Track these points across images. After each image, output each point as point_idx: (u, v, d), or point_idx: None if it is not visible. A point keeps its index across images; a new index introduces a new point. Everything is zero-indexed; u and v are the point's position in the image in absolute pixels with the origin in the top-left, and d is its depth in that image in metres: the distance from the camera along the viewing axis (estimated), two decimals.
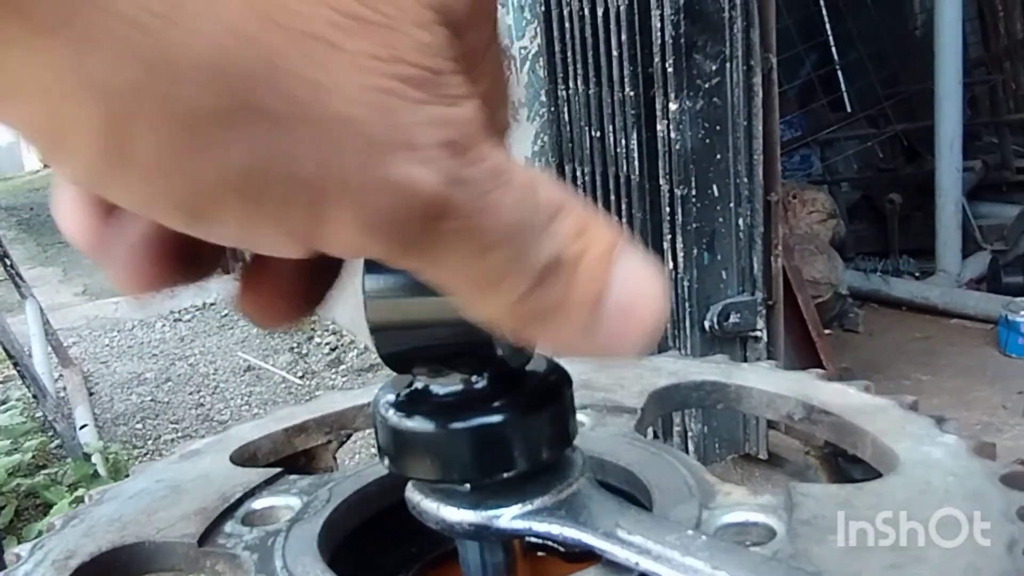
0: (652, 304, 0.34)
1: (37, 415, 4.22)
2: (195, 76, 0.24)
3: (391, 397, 0.45)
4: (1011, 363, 3.89)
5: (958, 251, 4.62)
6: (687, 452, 2.88)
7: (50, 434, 4.07)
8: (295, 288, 0.37)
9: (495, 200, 0.29)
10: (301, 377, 4.88)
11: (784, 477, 2.82)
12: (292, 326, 0.38)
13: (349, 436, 0.68)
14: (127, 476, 2.22)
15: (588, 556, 0.47)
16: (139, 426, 4.50)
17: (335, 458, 0.69)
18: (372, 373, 4.78)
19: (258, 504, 0.55)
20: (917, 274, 4.79)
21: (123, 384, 5.05)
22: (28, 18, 0.23)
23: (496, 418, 0.42)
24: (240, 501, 0.55)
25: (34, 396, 3.90)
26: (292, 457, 0.66)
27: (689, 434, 2.92)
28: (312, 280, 0.38)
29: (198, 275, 0.37)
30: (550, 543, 0.46)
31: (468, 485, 0.45)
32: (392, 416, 0.44)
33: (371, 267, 0.40)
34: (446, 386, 0.44)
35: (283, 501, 0.55)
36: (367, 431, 0.69)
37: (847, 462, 0.60)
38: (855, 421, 0.56)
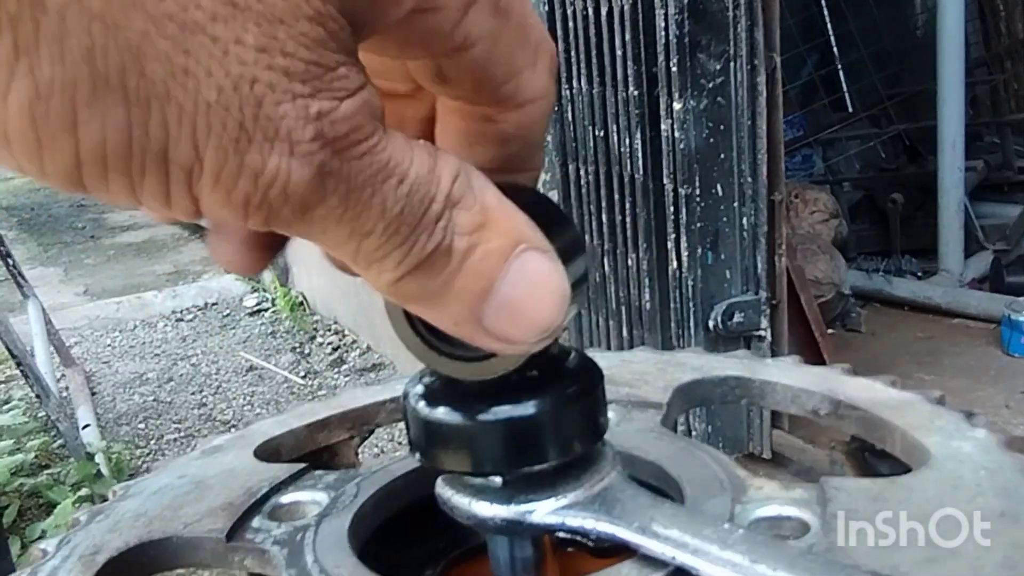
0: (543, 307, 0.35)
1: (40, 415, 4.22)
2: (50, 55, 0.26)
3: (421, 388, 0.45)
4: (1014, 363, 3.90)
5: (960, 251, 4.62)
6: None
7: (53, 434, 4.08)
8: (256, 238, 0.38)
9: (373, 194, 0.30)
10: (303, 377, 4.88)
11: (788, 477, 2.82)
12: (257, 272, 0.40)
13: (371, 432, 0.68)
14: (130, 476, 2.22)
15: (617, 551, 0.46)
16: (141, 426, 4.50)
17: (357, 454, 0.69)
18: (375, 373, 4.78)
19: (285, 499, 0.55)
20: (919, 274, 4.79)
21: (125, 384, 5.05)
22: None
23: (529, 409, 0.42)
24: (266, 496, 0.55)
25: (37, 396, 3.90)
26: (315, 453, 0.66)
27: (693, 433, 2.92)
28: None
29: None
30: (580, 538, 0.46)
31: (500, 480, 0.45)
32: (423, 408, 0.44)
33: None
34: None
35: (310, 496, 0.55)
36: (386, 427, 0.69)
37: (874, 457, 0.60)
38: (883, 416, 0.56)
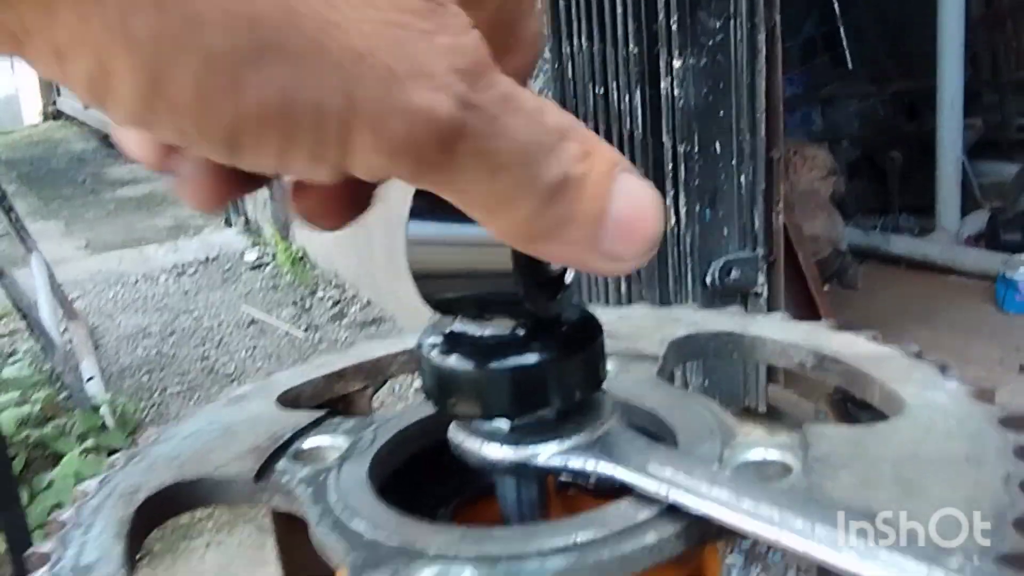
0: (650, 220, 0.37)
1: (44, 368, 4.27)
2: (215, 24, 0.28)
3: (435, 339, 0.49)
4: (1008, 319, 3.95)
5: (957, 208, 4.67)
6: None
7: (58, 386, 4.12)
8: (340, 194, 0.40)
9: (505, 124, 0.32)
10: (305, 331, 4.93)
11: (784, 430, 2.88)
12: (341, 228, 0.41)
13: (384, 382, 0.72)
14: (135, 428, 2.29)
15: (615, 494, 0.51)
16: (145, 378, 4.56)
17: (371, 403, 0.73)
18: (375, 327, 4.82)
19: (307, 444, 0.59)
20: (916, 231, 4.83)
21: (128, 337, 5.10)
22: None
23: (534, 359, 0.46)
24: (290, 441, 0.59)
25: (42, 349, 3.95)
26: (332, 401, 0.70)
27: (689, 388, 2.97)
28: (357, 187, 0.40)
29: (253, 187, 0.40)
30: (581, 481, 0.50)
31: (508, 425, 0.49)
32: (437, 357, 0.48)
33: (415, 213, 0.44)
34: (487, 329, 0.47)
35: (330, 441, 0.59)
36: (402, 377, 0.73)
37: (855, 407, 0.64)
38: (864, 368, 0.60)
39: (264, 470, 0.56)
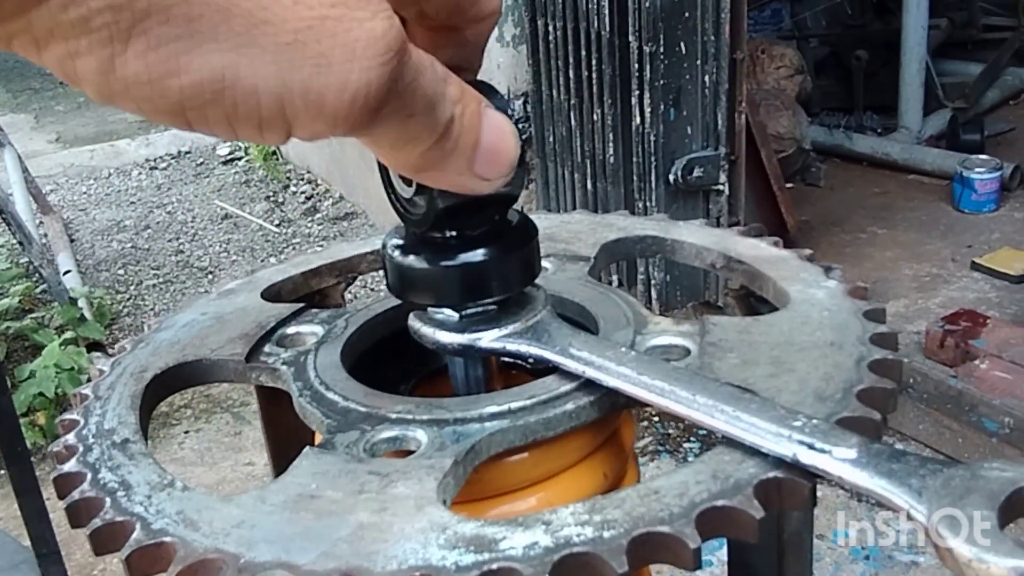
0: (511, 146, 0.46)
1: (21, 261, 4.31)
2: (158, 19, 0.35)
3: (396, 241, 0.59)
4: (963, 218, 4.05)
5: (920, 108, 4.71)
6: (650, 300, 3.05)
7: (35, 279, 4.17)
8: None
9: (417, 85, 0.40)
10: (278, 225, 4.99)
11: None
12: None
13: (355, 279, 0.82)
14: (112, 319, 2.39)
15: (548, 373, 0.61)
16: (121, 272, 4.62)
17: (343, 296, 0.83)
18: (347, 222, 4.90)
19: (289, 331, 0.69)
20: (879, 130, 4.90)
21: (103, 231, 5.14)
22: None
23: (478, 257, 0.56)
24: (274, 328, 0.69)
25: (19, 243, 3.97)
26: (309, 295, 0.80)
27: (652, 282, 3.08)
28: None
29: None
30: (519, 361, 0.61)
31: (458, 315, 0.59)
32: (398, 256, 0.58)
33: None
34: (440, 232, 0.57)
35: (309, 329, 0.69)
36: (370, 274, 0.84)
37: (757, 301, 0.75)
38: (762, 269, 0.71)
39: (252, 353, 0.67)
